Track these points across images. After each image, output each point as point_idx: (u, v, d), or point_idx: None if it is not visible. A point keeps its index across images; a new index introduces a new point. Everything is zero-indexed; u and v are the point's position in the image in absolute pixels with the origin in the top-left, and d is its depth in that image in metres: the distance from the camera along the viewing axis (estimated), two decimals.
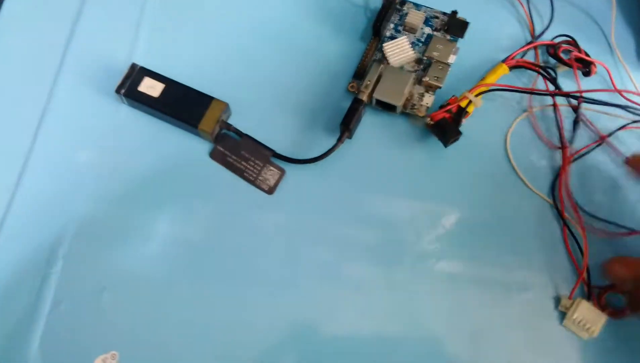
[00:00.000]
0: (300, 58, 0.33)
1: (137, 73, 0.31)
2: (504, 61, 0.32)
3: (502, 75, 0.32)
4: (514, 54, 0.32)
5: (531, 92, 0.32)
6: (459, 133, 0.30)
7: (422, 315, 0.28)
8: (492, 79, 0.31)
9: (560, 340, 0.28)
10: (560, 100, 0.32)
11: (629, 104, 0.31)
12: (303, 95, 0.32)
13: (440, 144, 0.30)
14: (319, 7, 0.34)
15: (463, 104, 0.30)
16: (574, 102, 0.31)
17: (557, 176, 0.30)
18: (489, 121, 0.32)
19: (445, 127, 0.30)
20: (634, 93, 0.31)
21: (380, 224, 0.30)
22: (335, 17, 0.33)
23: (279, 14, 0.34)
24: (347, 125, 0.29)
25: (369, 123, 0.31)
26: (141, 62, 0.31)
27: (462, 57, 0.32)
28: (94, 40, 0.33)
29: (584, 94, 0.30)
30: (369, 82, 0.30)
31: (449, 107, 0.30)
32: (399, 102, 0.30)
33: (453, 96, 0.30)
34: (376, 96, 0.30)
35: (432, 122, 0.30)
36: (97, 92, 0.31)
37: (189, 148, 0.31)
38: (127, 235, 0.29)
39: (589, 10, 0.35)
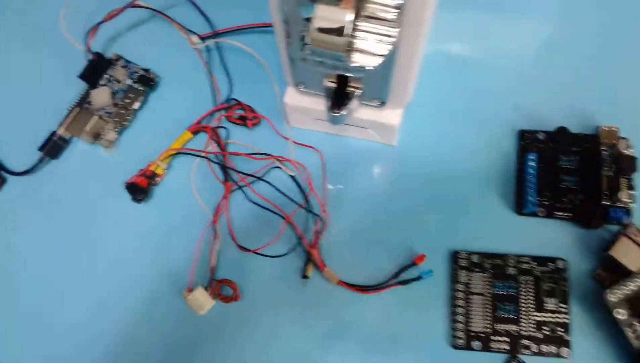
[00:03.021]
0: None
1: None
2: (188, 128, 0.41)
3: (188, 139, 0.41)
4: (199, 120, 0.41)
5: (195, 153, 0.41)
6: (144, 193, 0.39)
7: None
8: (177, 145, 0.41)
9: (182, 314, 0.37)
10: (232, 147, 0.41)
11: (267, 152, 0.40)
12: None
13: None
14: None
15: (152, 168, 0.40)
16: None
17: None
18: (179, 174, 0.41)
19: (135, 188, 0.39)
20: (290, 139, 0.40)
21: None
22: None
23: None
24: (42, 150, 0.40)
25: (79, 153, 0.42)
26: None
27: (161, 124, 0.42)
28: None
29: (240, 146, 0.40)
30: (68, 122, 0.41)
31: (142, 172, 0.40)
32: (82, 136, 0.40)
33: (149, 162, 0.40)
34: (68, 131, 0.41)
35: (127, 184, 0.39)
36: None
37: None
38: None
39: (260, 82, 0.42)
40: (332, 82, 0.33)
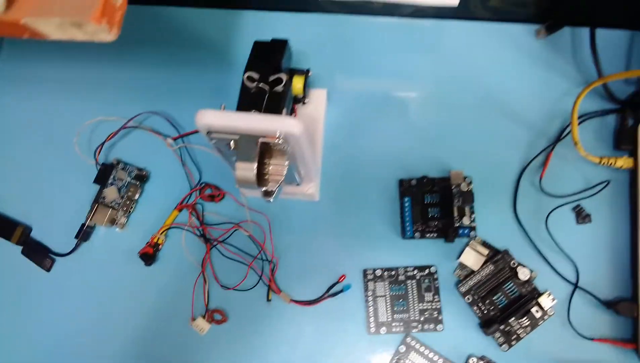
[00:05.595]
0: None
1: None
2: (175, 208, 0.59)
3: (176, 215, 0.59)
4: (181, 201, 0.59)
5: (182, 226, 0.59)
6: (152, 258, 0.57)
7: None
8: (169, 221, 0.59)
9: (188, 336, 0.56)
10: (208, 217, 0.59)
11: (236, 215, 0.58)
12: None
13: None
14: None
15: (155, 240, 0.58)
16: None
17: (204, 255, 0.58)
18: (174, 241, 0.59)
19: (147, 257, 0.58)
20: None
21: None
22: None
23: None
24: (77, 237, 0.58)
25: (102, 235, 0.60)
26: None
27: (157, 206, 0.59)
28: None
29: (213, 216, 0.58)
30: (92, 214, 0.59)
31: (148, 243, 0.58)
32: (102, 223, 0.58)
33: (153, 235, 0.58)
34: (93, 221, 0.58)
35: (140, 253, 0.58)
36: None
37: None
38: None
39: (223, 166, 0.60)
40: None
